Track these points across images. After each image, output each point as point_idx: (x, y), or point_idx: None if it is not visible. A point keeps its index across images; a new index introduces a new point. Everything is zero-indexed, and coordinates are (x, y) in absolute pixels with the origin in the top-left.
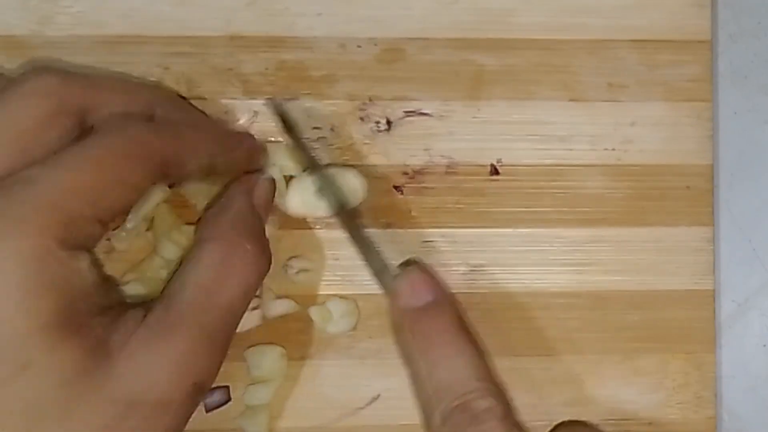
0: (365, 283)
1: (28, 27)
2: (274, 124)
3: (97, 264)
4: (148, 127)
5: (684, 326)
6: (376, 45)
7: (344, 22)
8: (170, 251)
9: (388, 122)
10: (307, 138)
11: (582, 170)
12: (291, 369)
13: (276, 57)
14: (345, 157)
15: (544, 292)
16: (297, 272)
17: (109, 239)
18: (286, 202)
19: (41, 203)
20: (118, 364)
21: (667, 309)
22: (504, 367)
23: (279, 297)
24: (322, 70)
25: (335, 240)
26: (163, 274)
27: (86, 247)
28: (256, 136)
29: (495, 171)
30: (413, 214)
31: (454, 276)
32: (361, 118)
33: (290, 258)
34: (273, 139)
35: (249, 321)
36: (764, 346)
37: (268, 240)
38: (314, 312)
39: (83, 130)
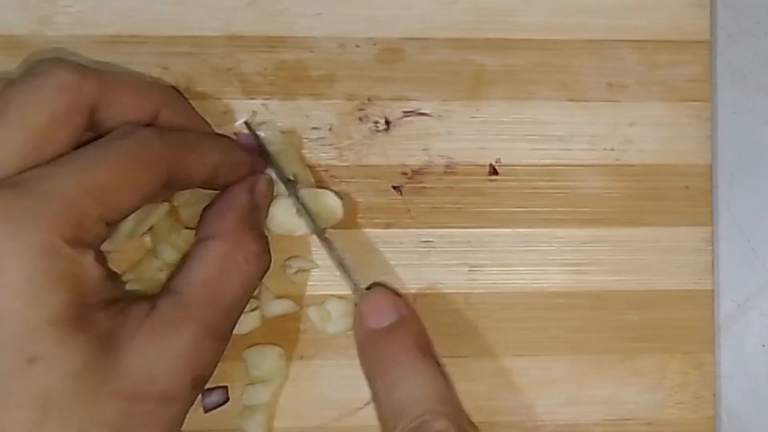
0: (363, 283)
1: (28, 27)
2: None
3: (102, 260)
4: (159, 135)
5: (683, 326)
6: (375, 45)
7: (344, 22)
8: (169, 254)
9: (387, 122)
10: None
11: (581, 170)
12: (290, 369)
13: (275, 57)
14: (344, 158)
15: (544, 292)
16: (296, 272)
17: None
18: (268, 221)
19: (53, 200)
20: (124, 358)
21: (667, 309)
22: (504, 367)
23: (278, 297)
24: (322, 70)
25: (333, 240)
26: (162, 275)
27: (92, 245)
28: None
29: (494, 171)
30: (412, 214)
31: (454, 276)
32: (360, 118)
33: (289, 258)
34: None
35: (248, 322)
36: (764, 346)
37: (267, 237)
38: (313, 312)
39: (90, 127)
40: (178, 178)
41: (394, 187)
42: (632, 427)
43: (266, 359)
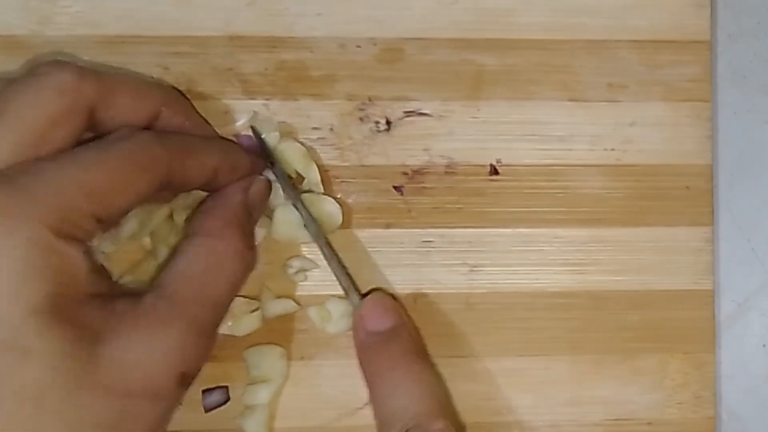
0: (364, 283)
1: (28, 27)
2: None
3: (89, 253)
4: (159, 139)
5: (684, 326)
6: (375, 45)
7: (344, 22)
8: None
9: (388, 122)
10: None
11: (581, 170)
12: (290, 369)
13: (276, 57)
14: (345, 158)
15: (544, 292)
16: (296, 272)
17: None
18: (272, 230)
19: (43, 193)
20: (108, 351)
21: (667, 309)
22: (504, 367)
23: (278, 297)
24: (322, 70)
25: (334, 240)
26: None
27: (80, 239)
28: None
29: (494, 171)
30: (413, 214)
31: (454, 276)
32: (361, 119)
33: (290, 258)
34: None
35: (249, 323)
36: (764, 346)
37: (255, 238)
38: (313, 312)
39: (90, 127)
40: (176, 180)
41: (395, 187)
42: (632, 427)
43: (267, 359)
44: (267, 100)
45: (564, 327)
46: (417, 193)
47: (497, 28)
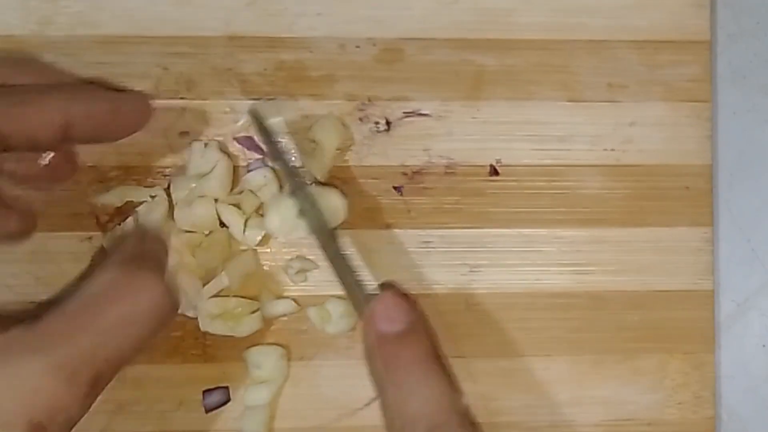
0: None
1: (28, 27)
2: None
3: None
4: None
5: (683, 326)
6: (375, 45)
7: (344, 22)
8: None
9: (388, 122)
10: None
11: (581, 170)
12: (290, 369)
13: (275, 57)
14: (344, 158)
15: (544, 293)
16: (296, 272)
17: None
18: (266, 223)
19: None
20: None
21: (667, 309)
22: (504, 367)
23: (278, 297)
24: (322, 71)
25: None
26: None
27: None
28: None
29: (494, 171)
30: (412, 214)
31: (454, 276)
32: (361, 119)
33: (290, 258)
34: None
35: (249, 324)
36: (764, 346)
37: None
38: (313, 312)
39: None
40: (14, 138)
41: (395, 188)
42: (632, 427)
43: (267, 360)
44: (267, 100)
45: (564, 327)
46: (417, 193)
47: (497, 28)
